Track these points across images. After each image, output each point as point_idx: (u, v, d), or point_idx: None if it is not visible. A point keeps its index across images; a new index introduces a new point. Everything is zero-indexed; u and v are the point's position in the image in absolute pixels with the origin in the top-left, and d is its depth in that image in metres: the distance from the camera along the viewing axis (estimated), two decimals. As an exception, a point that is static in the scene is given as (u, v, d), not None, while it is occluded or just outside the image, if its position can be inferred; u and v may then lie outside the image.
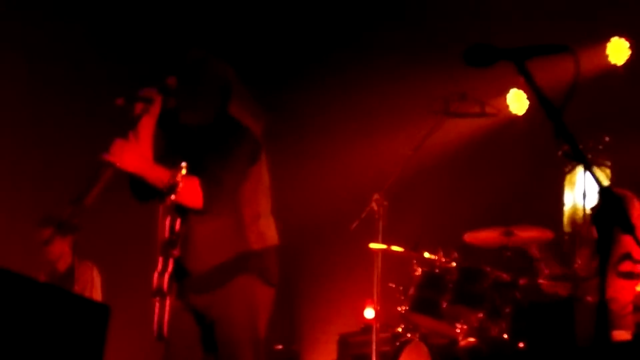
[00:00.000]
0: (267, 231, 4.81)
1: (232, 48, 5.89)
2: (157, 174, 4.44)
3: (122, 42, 9.98)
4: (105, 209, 4.91)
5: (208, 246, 4.62)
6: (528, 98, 9.25)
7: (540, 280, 7.43)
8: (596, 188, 2.92)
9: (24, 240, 8.43)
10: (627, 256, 6.81)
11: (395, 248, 7.94)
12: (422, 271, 7.76)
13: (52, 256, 8.06)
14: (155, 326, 3.84)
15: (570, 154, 2.99)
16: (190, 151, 4.62)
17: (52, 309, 3.71)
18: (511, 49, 3.04)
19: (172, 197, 4.18)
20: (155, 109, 4.52)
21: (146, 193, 4.64)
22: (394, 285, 7.93)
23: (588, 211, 7.64)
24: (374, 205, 7.97)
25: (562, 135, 2.95)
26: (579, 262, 7.37)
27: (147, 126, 4.52)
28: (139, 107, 4.50)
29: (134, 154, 4.42)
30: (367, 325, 8.84)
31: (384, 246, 7.91)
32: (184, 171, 4.22)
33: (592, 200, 7.66)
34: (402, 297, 7.79)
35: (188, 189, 4.40)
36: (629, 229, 2.91)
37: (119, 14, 10.04)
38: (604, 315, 2.98)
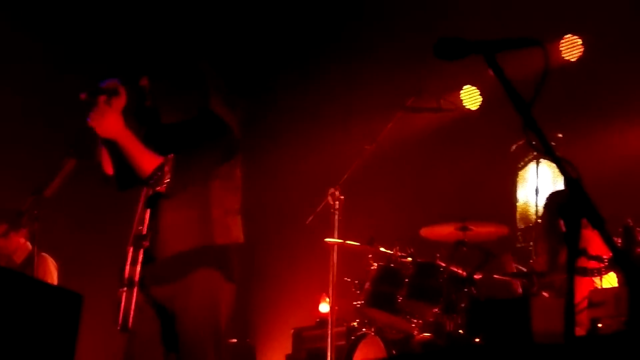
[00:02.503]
0: (233, 228, 4.77)
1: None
2: (144, 154, 4.42)
3: (91, 38, 9.88)
4: (66, 200, 4.84)
5: (174, 234, 4.58)
6: (481, 94, 9.31)
7: (496, 276, 7.45)
8: (563, 180, 2.92)
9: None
10: (583, 252, 6.83)
11: (351, 242, 7.95)
12: (378, 266, 7.76)
13: (7, 250, 7.97)
14: (120, 317, 3.80)
15: (536, 146, 2.99)
16: (165, 141, 4.58)
17: (26, 297, 3.70)
18: (482, 41, 3.03)
19: (158, 188, 4.13)
20: (120, 101, 4.47)
21: (128, 180, 4.61)
22: (349, 280, 7.94)
23: (541, 208, 7.68)
24: (330, 200, 7.98)
25: (530, 128, 2.96)
26: (535, 258, 7.40)
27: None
28: (102, 99, 4.45)
29: (114, 120, 4.39)
30: (322, 320, 8.84)
31: (339, 240, 7.91)
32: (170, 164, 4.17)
33: (544, 196, 7.70)
34: (358, 292, 7.79)
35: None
36: (598, 222, 2.91)
37: (89, 11, 9.93)
38: (571, 310, 2.98)
